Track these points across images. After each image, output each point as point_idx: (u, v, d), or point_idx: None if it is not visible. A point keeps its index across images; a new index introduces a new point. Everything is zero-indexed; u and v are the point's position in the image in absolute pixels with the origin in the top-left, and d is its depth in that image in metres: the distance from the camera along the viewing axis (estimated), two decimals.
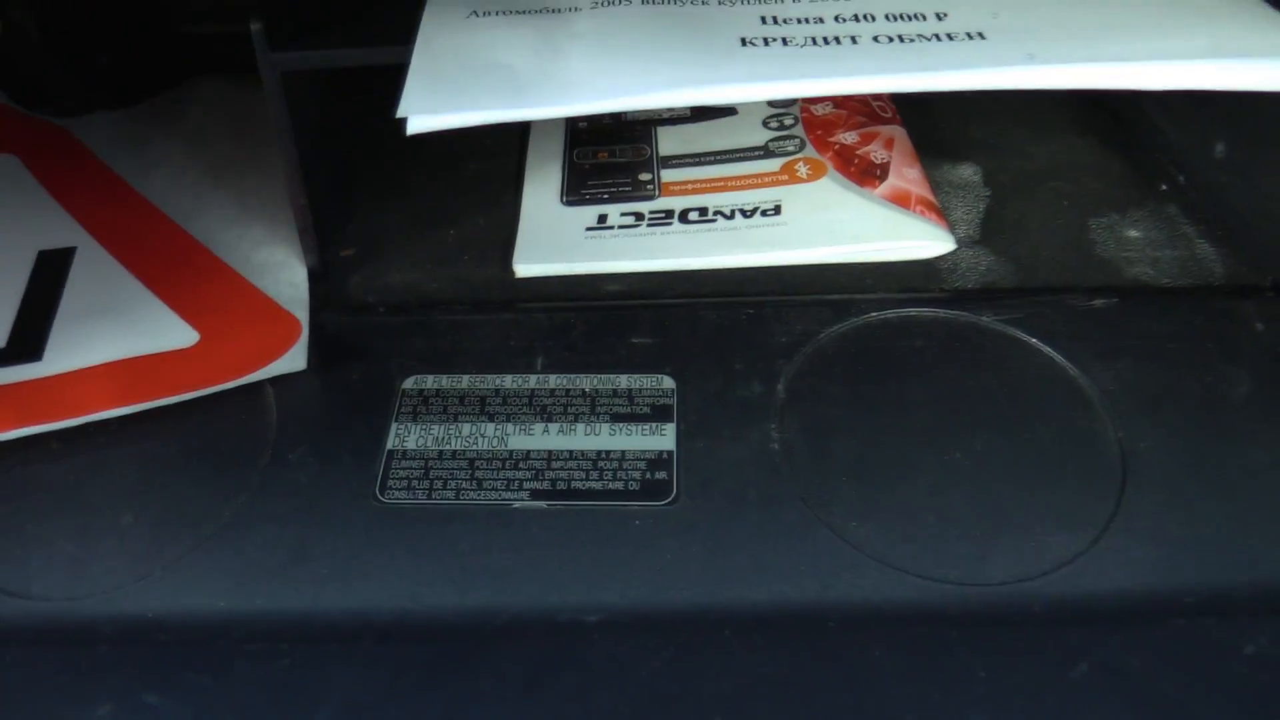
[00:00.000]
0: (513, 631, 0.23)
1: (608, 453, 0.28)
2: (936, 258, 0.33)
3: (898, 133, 0.37)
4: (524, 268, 0.34)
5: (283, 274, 0.34)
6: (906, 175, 0.35)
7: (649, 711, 0.21)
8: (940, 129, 0.38)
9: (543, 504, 0.27)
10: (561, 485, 0.27)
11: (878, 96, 0.37)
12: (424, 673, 0.22)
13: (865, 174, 0.35)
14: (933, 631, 0.23)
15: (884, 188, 0.35)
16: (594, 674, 0.22)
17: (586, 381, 0.30)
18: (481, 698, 0.22)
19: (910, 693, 0.21)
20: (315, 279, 0.34)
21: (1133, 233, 0.33)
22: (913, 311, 0.31)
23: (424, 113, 0.23)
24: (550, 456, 0.28)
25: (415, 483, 0.27)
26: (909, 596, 0.24)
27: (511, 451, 0.28)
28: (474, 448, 0.28)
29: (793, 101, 0.38)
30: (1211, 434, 0.27)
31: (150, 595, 0.25)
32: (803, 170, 0.36)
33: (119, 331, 0.31)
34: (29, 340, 0.30)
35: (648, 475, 0.27)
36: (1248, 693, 0.21)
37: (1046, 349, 0.30)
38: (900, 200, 0.34)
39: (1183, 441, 0.27)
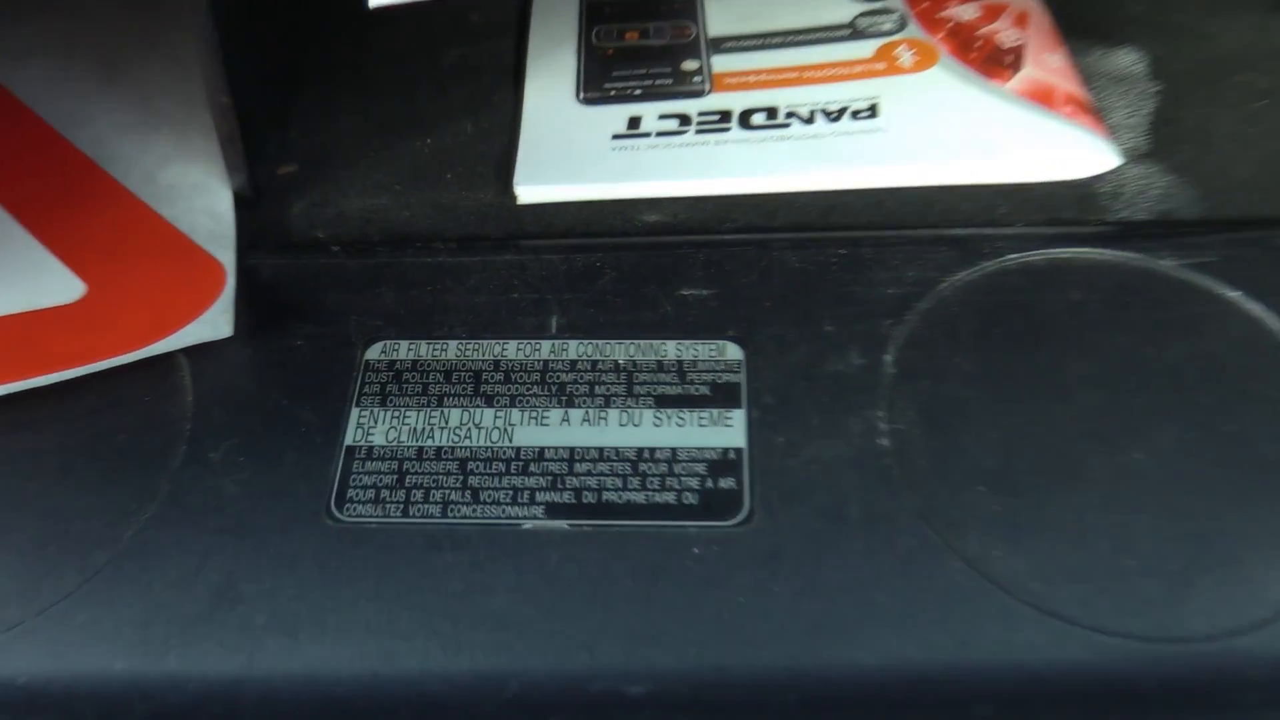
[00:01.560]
0: (525, 707, 0.22)
1: (652, 451, 0.26)
2: (1093, 177, 0.31)
3: (1033, 6, 0.34)
4: (529, 190, 0.32)
5: (199, 200, 0.32)
6: (1047, 64, 0.33)
7: None
8: (1090, 2, 0.36)
9: (563, 524, 0.25)
10: (589, 497, 0.26)
11: None
12: None
13: (991, 62, 0.33)
14: (1113, 705, 0.22)
15: (1018, 80, 0.32)
16: None
17: (620, 350, 0.29)
18: None
19: None
20: (244, 207, 0.32)
21: None
22: (1064, 252, 0.29)
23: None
24: (573, 456, 0.26)
25: (385, 493, 0.26)
26: (1079, 657, 0.22)
27: (519, 449, 0.27)
28: (466, 443, 0.27)
29: None
30: None
31: (21, 652, 0.24)
32: (906, 57, 0.34)
33: None
34: None
35: (709, 483, 0.26)
36: None
37: (1252, 305, 0.28)
38: (1041, 98, 0.32)
39: None
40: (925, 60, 0.34)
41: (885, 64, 0.34)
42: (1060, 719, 0.22)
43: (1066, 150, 0.31)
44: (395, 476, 0.26)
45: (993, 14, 0.35)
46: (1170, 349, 0.27)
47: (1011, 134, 0.31)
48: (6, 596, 0.25)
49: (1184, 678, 0.22)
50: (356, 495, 0.26)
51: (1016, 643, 0.23)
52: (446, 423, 0.27)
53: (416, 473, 0.27)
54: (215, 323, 0.29)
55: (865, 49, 0.35)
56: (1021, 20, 0.34)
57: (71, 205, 0.32)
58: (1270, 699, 0.22)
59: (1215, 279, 0.28)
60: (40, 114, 0.35)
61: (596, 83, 0.35)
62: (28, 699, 0.23)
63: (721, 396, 0.28)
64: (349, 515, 0.26)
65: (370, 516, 0.26)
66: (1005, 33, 0.34)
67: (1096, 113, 0.32)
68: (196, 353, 0.29)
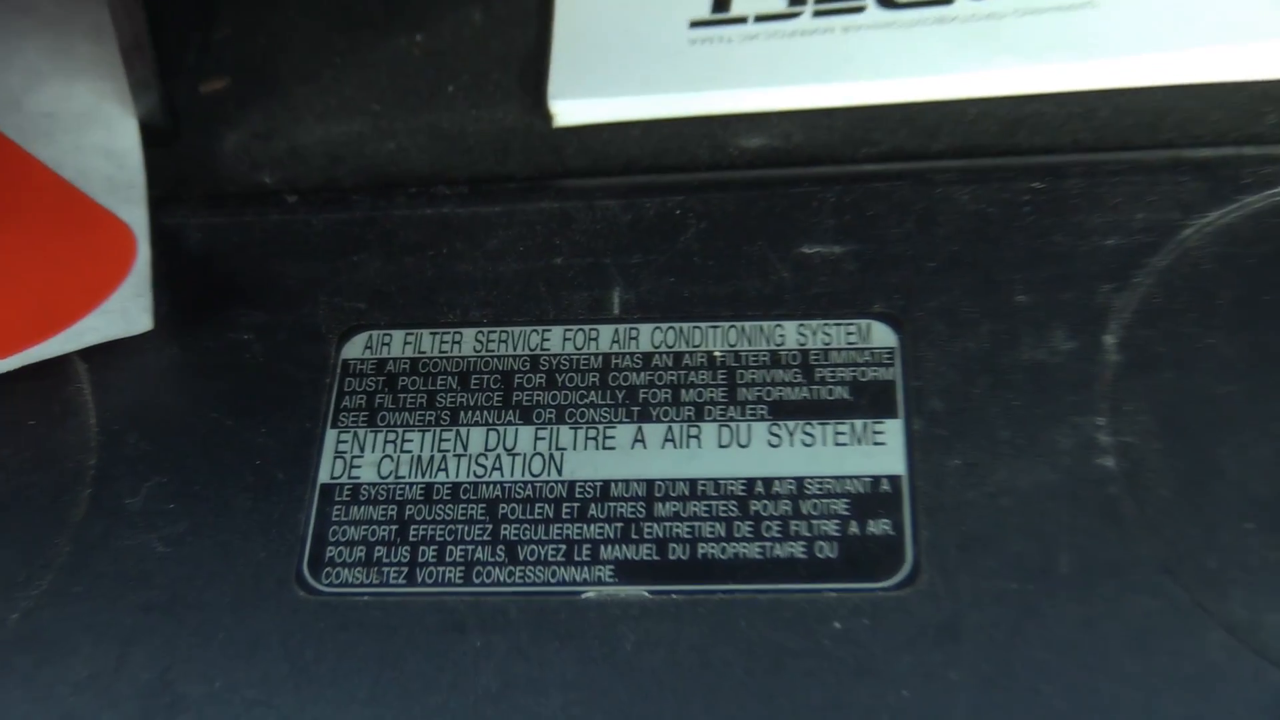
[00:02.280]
0: None
1: (769, 483, 0.28)
2: None
3: None
4: (570, 107, 0.34)
5: (91, 135, 0.34)
6: None
7: None
8: None
9: (641, 591, 0.27)
10: (678, 552, 0.27)
11: None
12: None
13: None
14: None
15: None
16: None
17: (716, 336, 0.30)
18: None
19: None
20: (157, 142, 0.34)
21: None
22: None
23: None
24: (652, 494, 0.28)
25: (381, 551, 0.28)
26: None
27: (573, 485, 0.28)
28: (496, 477, 0.28)
29: None
30: None
31: None
32: None
33: None
34: None
35: (853, 528, 0.27)
36: None
37: None
38: None
39: None
40: None
41: None
42: None
43: None
44: (394, 527, 0.28)
45: None
46: None
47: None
48: None
49: None
50: (339, 555, 0.28)
51: None
52: (465, 448, 0.29)
53: (425, 521, 0.28)
54: (126, 312, 0.30)
55: None
56: None
57: None
58: None
59: None
60: None
61: None
62: None
63: (868, 401, 0.28)
64: (329, 583, 0.27)
65: (360, 585, 0.27)
66: None
67: None
68: (100, 355, 0.31)
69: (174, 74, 0.35)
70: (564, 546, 0.28)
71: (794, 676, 0.26)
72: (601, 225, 0.33)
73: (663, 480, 0.29)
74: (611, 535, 0.28)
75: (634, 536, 0.28)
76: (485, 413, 0.30)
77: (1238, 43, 0.33)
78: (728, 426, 0.29)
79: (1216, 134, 0.32)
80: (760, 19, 0.35)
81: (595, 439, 0.29)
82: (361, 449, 0.29)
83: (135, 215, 0.33)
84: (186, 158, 0.35)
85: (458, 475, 0.29)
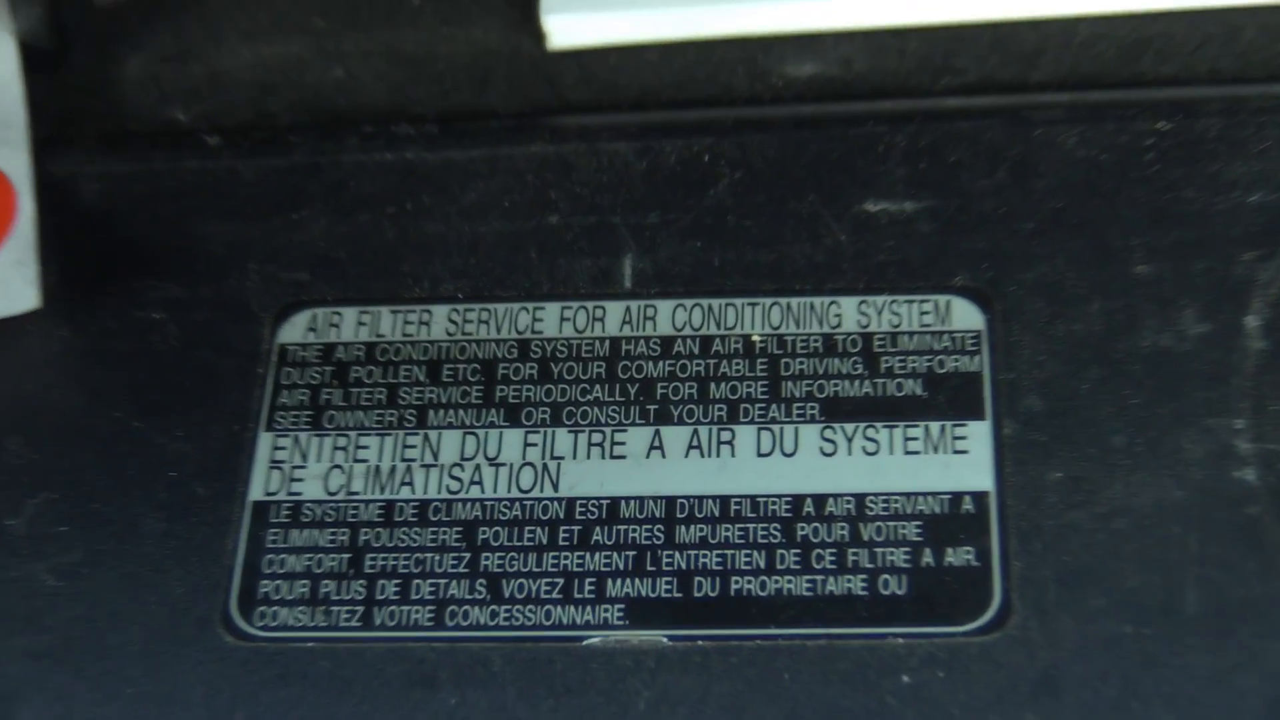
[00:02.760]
0: None
1: (821, 500, 0.29)
2: None
3: None
4: (567, 24, 0.35)
5: None
6: None
7: None
8: None
9: (660, 637, 0.28)
10: (706, 588, 0.28)
11: None
12: None
13: None
14: None
15: None
16: None
17: (754, 315, 0.31)
18: None
19: None
20: (41, 69, 0.35)
21: None
22: None
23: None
24: (673, 514, 0.29)
25: (330, 586, 0.29)
26: None
27: (572, 503, 0.29)
28: (474, 494, 0.29)
29: None
30: None
31: None
32: None
33: None
34: None
35: (927, 558, 0.28)
36: None
37: None
38: None
39: None
40: None
41: None
42: None
43: None
44: (347, 556, 0.29)
45: None
46: None
47: None
48: None
49: None
50: (277, 590, 0.29)
51: None
52: (436, 456, 0.30)
53: (385, 549, 0.29)
54: (5, 284, 0.32)
55: None
56: None
57: None
58: None
59: None
60: None
61: None
62: None
63: (947, 398, 0.29)
64: (264, 626, 0.28)
65: (304, 628, 0.28)
66: None
67: None
68: None
69: None
70: (561, 580, 0.29)
71: None
72: (609, 175, 0.33)
73: (687, 498, 0.29)
74: (622, 567, 0.29)
75: (650, 568, 0.29)
76: (461, 412, 0.31)
77: None
78: (769, 430, 0.30)
79: None
80: None
81: (601, 445, 0.30)
82: (304, 458, 0.30)
83: (14, 161, 0.34)
84: (78, 88, 0.36)
85: (426, 491, 0.30)
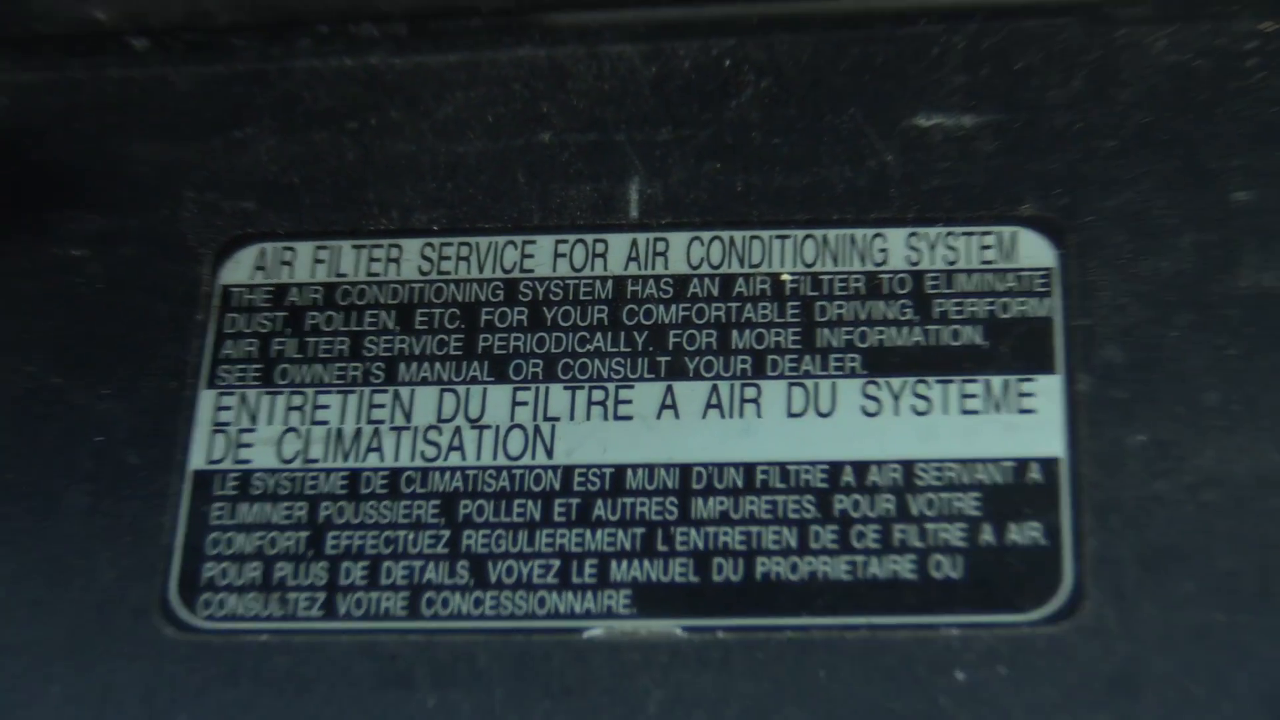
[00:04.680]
0: None
1: (863, 468, 0.27)
2: None
3: None
4: None
5: None
6: None
7: None
8: None
9: (673, 627, 0.27)
10: (728, 570, 0.27)
11: None
12: None
13: None
14: None
15: None
16: None
17: (784, 250, 0.29)
18: None
19: None
20: None
21: None
22: None
23: None
24: (689, 483, 0.27)
25: (284, 569, 0.28)
26: None
27: (568, 471, 0.28)
28: (453, 460, 0.28)
29: None
30: None
31: None
32: None
33: None
34: None
35: (987, 534, 0.27)
36: None
37: None
38: None
39: None
40: None
41: None
42: None
43: None
44: (305, 534, 0.27)
45: None
46: None
47: None
48: None
49: None
50: (224, 574, 0.27)
51: None
52: (409, 418, 0.28)
53: (348, 526, 0.27)
54: None
55: None
56: None
57: None
58: None
59: None
60: None
61: None
62: None
63: (1012, 349, 0.28)
64: (210, 616, 0.27)
65: (256, 618, 0.27)
66: None
67: None
68: None
69: None
70: (557, 562, 0.27)
71: None
72: (612, 83, 0.31)
73: (704, 465, 0.27)
74: (628, 546, 0.27)
75: (661, 548, 0.27)
76: (438, 365, 0.29)
77: None
78: (802, 386, 0.28)
79: None
80: None
81: (603, 404, 0.28)
82: (253, 420, 0.29)
83: None
84: None
85: (397, 458, 0.28)
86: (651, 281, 0.28)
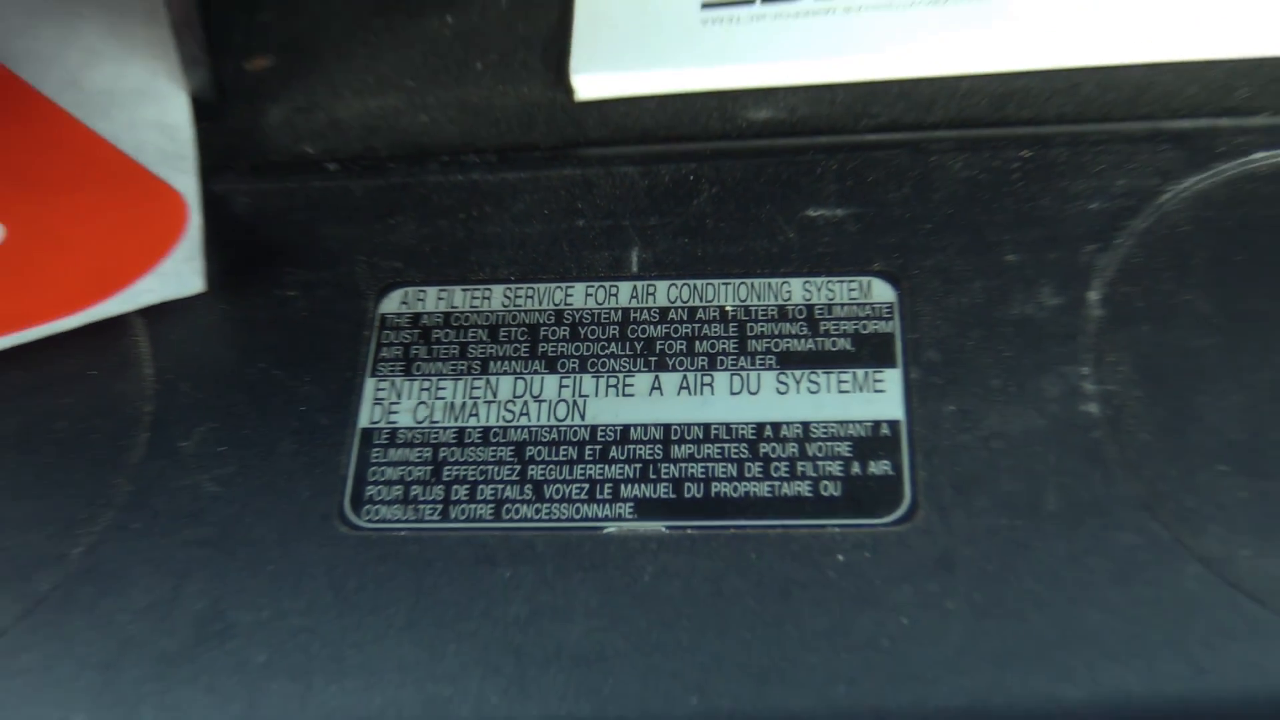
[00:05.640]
0: None
1: (777, 427, 0.28)
2: None
3: None
4: (591, 81, 0.34)
5: (145, 109, 0.35)
6: None
7: None
8: None
9: (659, 526, 0.27)
10: (693, 491, 0.28)
11: None
12: None
13: None
14: None
15: None
16: None
17: (728, 292, 0.31)
18: None
19: None
20: (206, 116, 0.35)
21: None
22: None
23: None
24: (669, 437, 0.29)
25: (418, 490, 0.28)
26: None
27: (595, 429, 0.29)
28: (523, 422, 0.29)
29: None
30: None
31: None
32: None
33: None
34: None
35: (855, 468, 0.28)
36: None
37: None
38: None
39: None
40: None
41: None
42: None
43: None
44: (429, 468, 0.29)
45: None
46: None
47: None
48: None
49: None
50: (379, 493, 0.28)
51: (1272, 668, 0.25)
52: (495, 395, 0.29)
53: (458, 462, 0.29)
54: (179, 274, 0.31)
55: None
56: None
57: None
58: None
59: None
60: None
61: None
62: None
63: (869, 352, 0.29)
64: (370, 519, 0.28)
65: (398, 521, 0.28)
66: None
67: None
68: (156, 313, 0.31)
69: (222, 52, 0.36)
70: (587, 485, 0.29)
71: (800, 605, 0.27)
72: (620, 190, 0.34)
73: (678, 424, 0.29)
74: (631, 475, 0.29)
75: (652, 476, 0.29)
76: (513, 362, 0.31)
77: (1213, 23, 0.35)
78: (739, 375, 0.30)
79: (1192, 107, 0.33)
80: (766, 1, 0.37)
81: (616, 387, 0.30)
82: (398, 396, 0.30)
83: (187, 184, 0.33)
84: (234, 130, 0.36)
85: (488, 420, 0.30)
86: (646, 311, 0.31)
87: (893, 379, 0.29)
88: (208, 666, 0.27)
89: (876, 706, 0.26)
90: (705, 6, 0.36)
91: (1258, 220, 0.31)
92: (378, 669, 0.27)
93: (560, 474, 0.29)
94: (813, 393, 0.29)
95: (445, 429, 0.30)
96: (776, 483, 0.28)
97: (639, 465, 0.29)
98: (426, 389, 0.30)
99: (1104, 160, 0.32)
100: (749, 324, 0.31)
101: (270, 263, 0.33)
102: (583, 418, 0.30)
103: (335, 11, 0.38)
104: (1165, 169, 0.32)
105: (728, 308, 0.31)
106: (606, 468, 0.29)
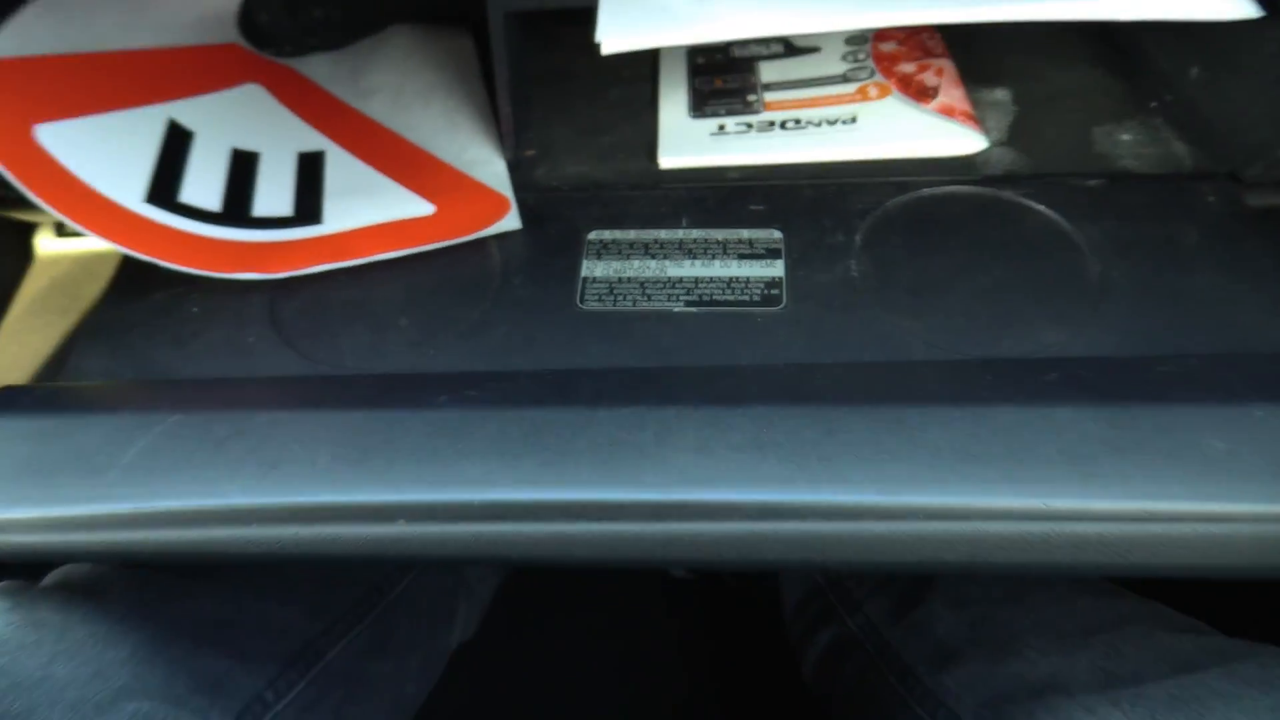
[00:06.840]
0: (679, 379, 0.37)
1: (737, 278, 0.42)
2: (973, 153, 0.46)
3: (946, 64, 0.51)
4: (667, 159, 0.49)
5: (488, 167, 0.49)
6: (952, 94, 0.49)
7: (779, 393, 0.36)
8: (980, 61, 0.51)
9: (694, 310, 0.41)
10: (705, 298, 0.42)
11: (932, 35, 0.52)
12: (623, 391, 0.35)
13: (921, 93, 0.49)
14: (956, 374, 0.35)
15: (935, 103, 0.48)
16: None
17: (719, 234, 0.44)
18: (674, 397, 0.34)
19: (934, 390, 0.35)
20: (512, 170, 0.48)
21: (1125, 136, 0.45)
22: (955, 189, 0.44)
23: (616, 34, 0.37)
24: (697, 281, 0.43)
25: (604, 297, 0.43)
26: (939, 361, 0.36)
27: (669, 278, 0.43)
28: (643, 275, 0.43)
29: (865, 40, 0.53)
30: (1169, 268, 0.38)
31: (428, 363, 0.39)
32: (873, 91, 0.49)
33: (374, 204, 0.45)
34: (309, 210, 0.45)
35: (765, 292, 0.41)
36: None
37: (1049, 212, 0.42)
38: (947, 112, 0.48)
39: (1147, 272, 0.38)
40: (884, 93, 0.50)
41: (861, 95, 0.49)
42: (929, 384, 0.35)
43: (958, 139, 0.47)
44: (608, 289, 0.43)
45: (923, 68, 0.51)
46: (1006, 233, 0.42)
47: (930, 131, 0.47)
48: (416, 342, 0.39)
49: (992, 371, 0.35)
50: (590, 298, 0.43)
51: (911, 354, 0.37)
52: (632, 266, 0.44)
53: (619, 288, 0.43)
54: (509, 223, 0.46)
55: (850, 88, 0.50)
56: (939, 72, 0.51)
57: (417, 170, 0.48)
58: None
59: (1033, 200, 0.43)
60: (386, 125, 0.51)
61: (699, 106, 0.51)
62: (431, 380, 0.35)
63: (771, 254, 0.43)
64: (587, 306, 0.42)
65: (598, 307, 0.42)
66: (930, 78, 0.50)
67: (977, 120, 0.48)
68: (498, 239, 0.45)
69: (518, 144, 0.48)
70: (666, 295, 0.42)
71: (743, 334, 0.39)
72: (678, 199, 0.45)
73: (701, 276, 0.43)
74: (683, 293, 0.42)
75: (691, 293, 0.42)
76: (639, 255, 0.44)
77: (911, 142, 0.46)
78: (723, 261, 0.43)
79: (902, 173, 0.45)
80: (735, 133, 0.48)
81: (677, 264, 0.44)
82: (595, 267, 0.44)
83: (508, 193, 0.47)
84: (523, 176, 0.48)
85: (629, 275, 0.43)
86: (690, 240, 0.44)
87: (780, 264, 0.42)
88: (527, 355, 0.38)
89: (764, 362, 0.38)
90: (711, 135, 0.48)
91: (924, 213, 0.42)
92: (590, 350, 0.38)
93: (657, 292, 0.42)
94: (750, 267, 0.43)
95: (613, 277, 0.43)
96: (736, 295, 0.41)
97: (686, 289, 0.42)
98: (606, 264, 0.44)
99: (865, 191, 0.45)
100: (727, 244, 0.44)
101: (542, 221, 0.46)
102: (665, 274, 0.42)
103: (559, 135, 0.51)
104: (888, 194, 0.44)
105: (719, 239, 0.44)
106: (673, 290, 0.42)
